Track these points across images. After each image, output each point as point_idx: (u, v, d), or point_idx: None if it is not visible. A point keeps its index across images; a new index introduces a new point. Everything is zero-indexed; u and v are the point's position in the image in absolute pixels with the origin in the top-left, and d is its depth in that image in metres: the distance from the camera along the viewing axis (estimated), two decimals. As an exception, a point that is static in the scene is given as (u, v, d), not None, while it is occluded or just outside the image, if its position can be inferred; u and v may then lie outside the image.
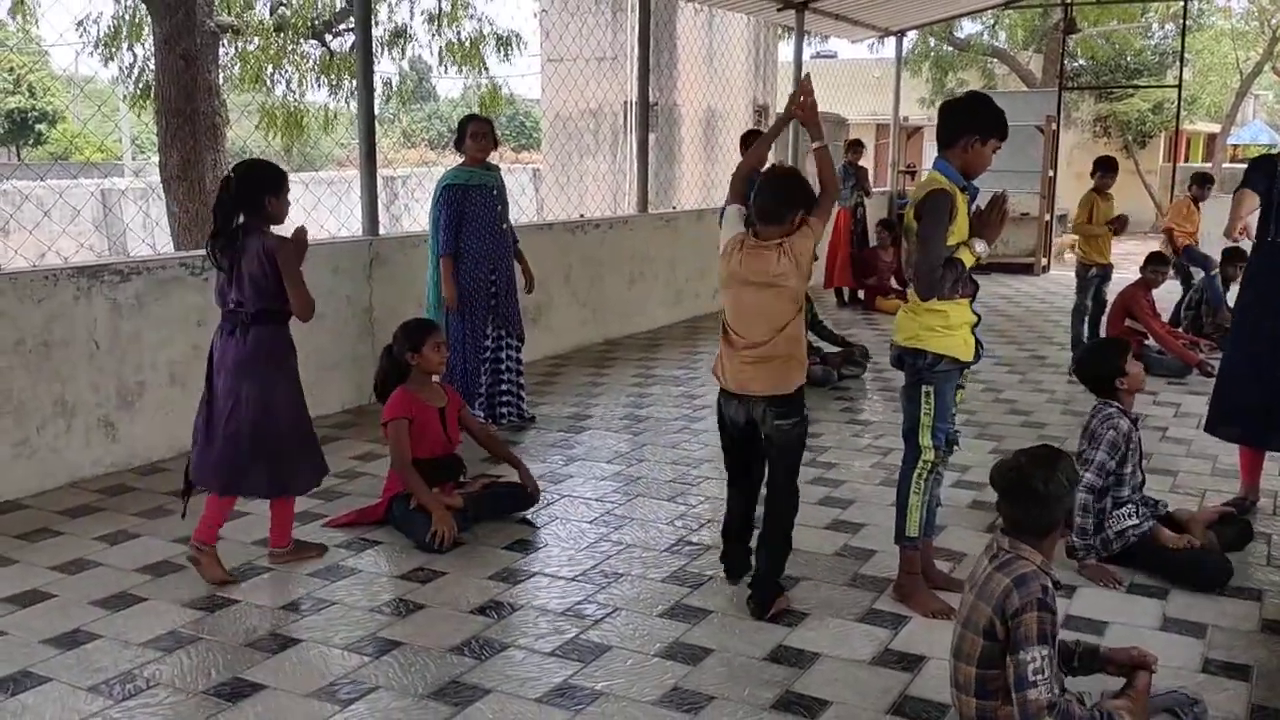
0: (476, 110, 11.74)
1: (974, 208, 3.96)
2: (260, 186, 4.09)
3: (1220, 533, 4.47)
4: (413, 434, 4.71)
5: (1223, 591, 4.17)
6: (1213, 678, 3.51)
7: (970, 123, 3.85)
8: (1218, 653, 3.69)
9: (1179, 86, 15.55)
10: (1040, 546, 2.88)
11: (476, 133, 6.12)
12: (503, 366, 6.41)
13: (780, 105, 18.88)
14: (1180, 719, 2.95)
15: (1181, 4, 15.31)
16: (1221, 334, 9.03)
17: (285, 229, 4.19)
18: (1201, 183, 10.47)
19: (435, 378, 4.95)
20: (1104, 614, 3.95)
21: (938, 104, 19.08)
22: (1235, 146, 32.53)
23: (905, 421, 4.06)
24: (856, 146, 11.77)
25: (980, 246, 3.85)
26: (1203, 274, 9.55)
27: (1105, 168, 8.29)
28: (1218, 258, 9.35)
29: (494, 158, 6.32)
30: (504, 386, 6.43)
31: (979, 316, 3.98)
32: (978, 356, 3.97)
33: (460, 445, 4.98)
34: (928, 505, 4.05)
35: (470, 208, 6.11)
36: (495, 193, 6.22)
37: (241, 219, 4.10)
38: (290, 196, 4.21)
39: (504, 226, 6.30)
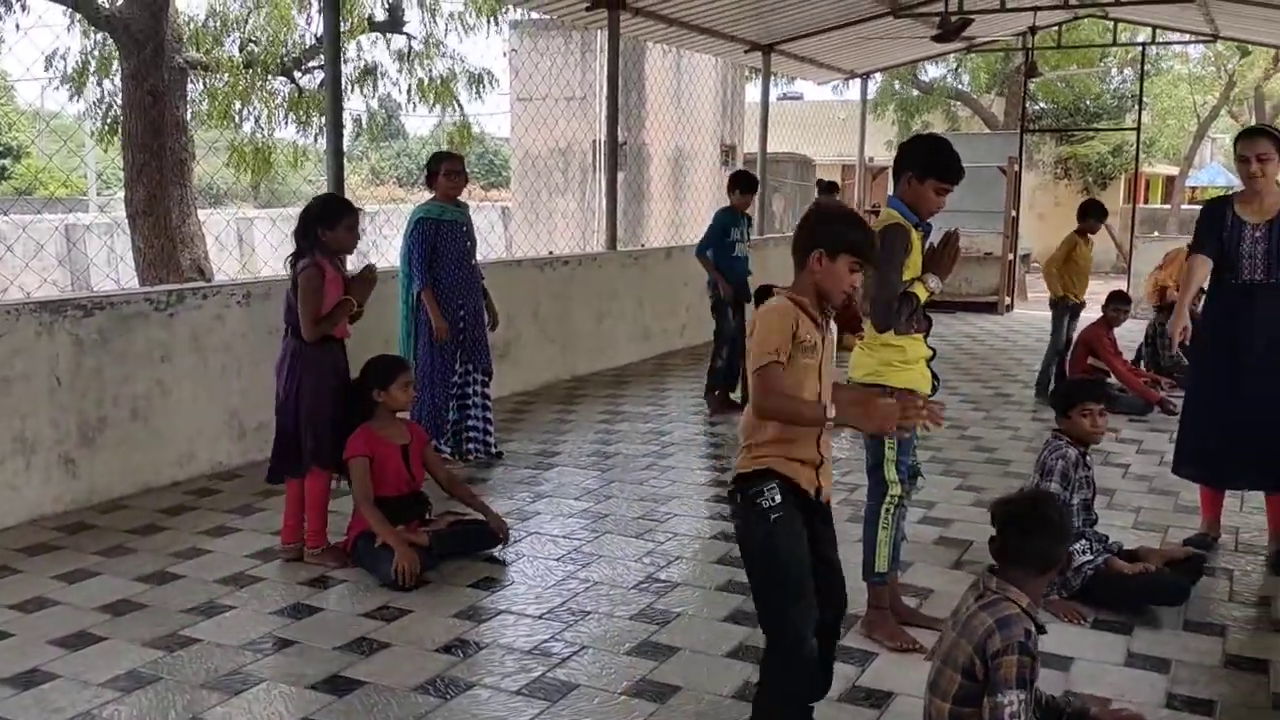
0: (445, 148, 11.77)
1: (927, 245, 4.04)
2: (313, 219, 4.69)
3: (1175, 567, 4.52)
4: (375, 472, 4.69)
5: (1186, 626, 4.20)
6: (1177, 713, 3.53)
7: (907, 160, 3.97)
8: (1182, 688, 3.71)
9: (1138, 129, 15.84)
10: (1028, 588, 2.86)
11: (450, 170, 6.20)
12: (470, 402, 6.39)
13: (748, 145, 19.08)
14: None
15: (1140, 49, 15.63)
16: (1182, 372, 9.17)
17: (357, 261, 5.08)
18: None
19: (400, 415, 4.93)
20: (1069, 650, 3.97)
21: (903, 145, 18.98)
22: (1194, 188, 33.12)
23: (869, 458, 4.09)
24: (831, 188, 11.92)
25: (933, 282, 3.94)
26: None
27: (1093, 212, 8.50)
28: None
29: (464, 195, 6.37)
30: (470, 422, 6.41)
31: (934, 351, 4.07)
32: (934, 389, 4.02)
33: (425, 482, 4.95)
34: (894, 540, 4.07)
35: (441, 242, 6.14)
36: (465, 229, 6.27)
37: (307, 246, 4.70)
38: (353, 228, 4.79)
39: (473, 262, 6.32)
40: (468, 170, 6.45)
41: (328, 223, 4.69)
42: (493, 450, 6.52)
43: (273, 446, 4.88)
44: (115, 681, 3.64)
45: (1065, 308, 8.58)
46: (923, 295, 3.92)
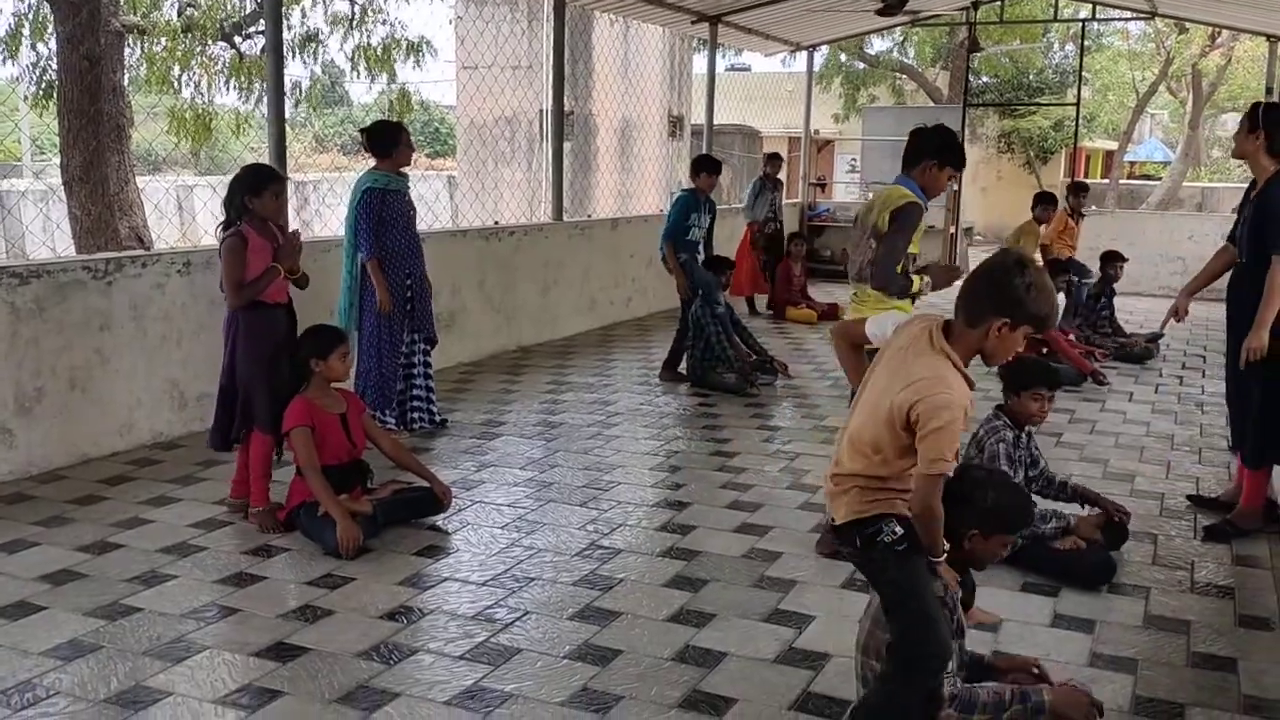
0: (386, 116, 11.66)
1: (936, 260, 4.67)
2: (240, 187, 4.79)
3: (1104, 531, 4.66)
4: (316, 441, 4.70)
5: (1111, 588, 4.35)
6: (1100, 671, 3.67)
7: (928, 149, 4.56)
8: (1105, 647, 3.85)
9: (1078, 105, 16.06)
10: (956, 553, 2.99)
11: (409, 141, 6.18)
12: (415, 371, 6.41)
13: (695, 116, 19.08)
14: None
15: (1080, 25, 15.83)
16: (1115, 344, 9.40)
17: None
18: (1077, 192, 10.57)
19: (335, 385, 4.94)
20: (998, 611, 4.09)
21: (850, 119, 19.36)
22: (1132, 163, 33.69)
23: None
24: (775, 160, 11.96)
25: (926, 285, 4.69)
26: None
27: (1044, 201, 8.96)
28: (1095, 268, 9.80)
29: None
30: (415, 391, 6.42)
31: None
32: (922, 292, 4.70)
33: (366, 450, 4.97)
34: None
35: (388, 212, 6.11)
36: (407, 198, 6.26)
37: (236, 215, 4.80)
38: (279, 195, 4.92)
39: (415, 231, 6.33)
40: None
41: (254, 190, 4.79)
42: (436, 419, 6.53)
43: (215, 415, 4.97)
44: (56, 650, 3.63)
45: None
46: (915, 286, 4.63)
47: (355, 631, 3.84)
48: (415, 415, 6.43)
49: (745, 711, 3.35)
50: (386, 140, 6.13)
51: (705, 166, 8.10)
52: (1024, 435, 4.61)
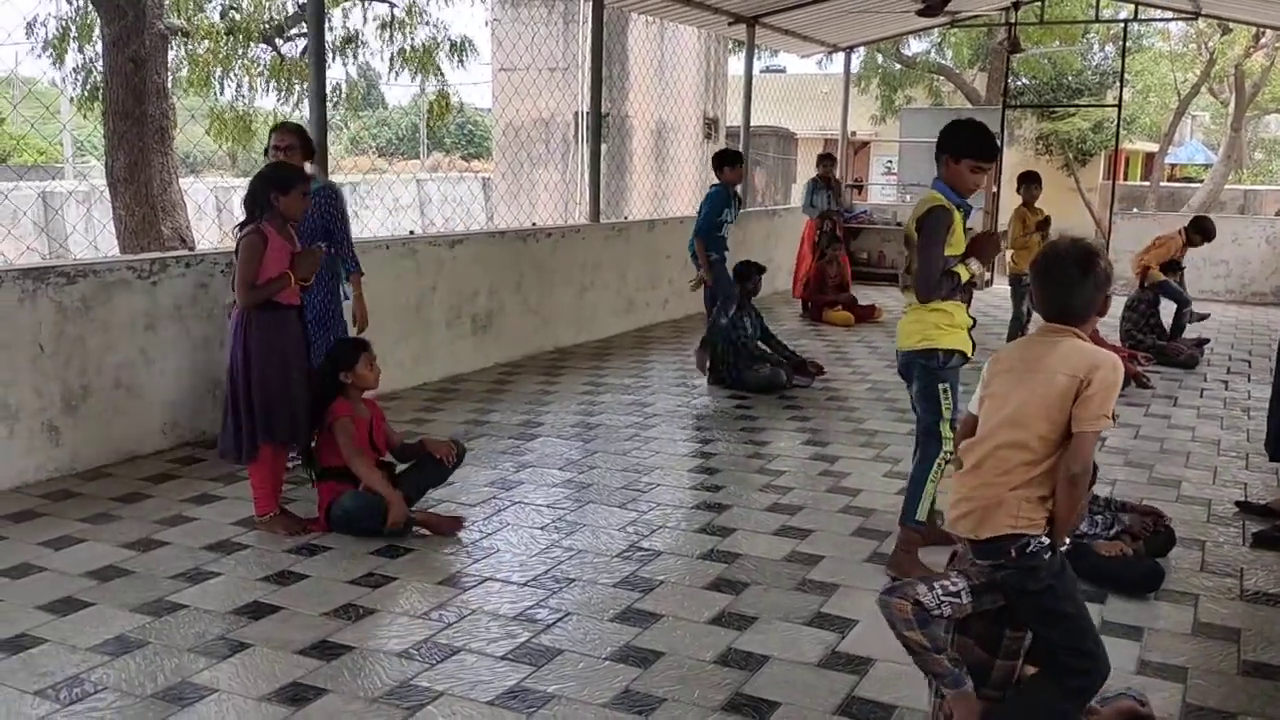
0: (426, 119, 11.71)
1: (970, 230, 4.42)
2: (265, 185, 4.68)
3: (1148, 541, 4.60)
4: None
5: (1158, 596, 4.29)
6: (1149, 679, 3.61)
7: (944, 144, 4.32)
8: (1154, 655, 3.80)
9: (1119, 106, 15.88)
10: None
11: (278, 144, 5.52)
12: None
13: (731, 118, 19.06)
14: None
15: (1121, 26, 15.66)
16: (1161, 350, 9.27)
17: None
18: (1028, 182, 9.19)
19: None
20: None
21: (887, 120, 19.18)
22: (1173, 165, 33.29)
23: (927, 418, 4.41)
24: (826, 160, 11.96)
25: (975, 265, 4.34)
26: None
27: (1029, 181, 8.80)
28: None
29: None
30: None
31: (974, 320, 4.47)
32: (972, 278, 4.41)
33: (387, 454, 5.01)
34: (935, 494, 4.41)
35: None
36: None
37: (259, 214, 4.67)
38: (305, 195, 4.78)
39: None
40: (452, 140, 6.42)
41: (283, 188, 4.68)
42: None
43: (222, 421, 4.81)
44: (103, 646, 3.67)
45: (1024, 282, 8.79)
46: (964, 275, 4.31)
47: (397, 630, 3.85)
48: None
49: (788, 715, 3.33)
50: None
51: (728, 160, 8.09)
52: None
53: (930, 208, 4.28)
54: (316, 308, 5.61)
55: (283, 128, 5.66)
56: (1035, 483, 2.86)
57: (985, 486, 2.91)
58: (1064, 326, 2.92)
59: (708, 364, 8.00)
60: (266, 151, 5.62)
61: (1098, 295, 2.93)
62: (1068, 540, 2.96)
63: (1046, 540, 2.88)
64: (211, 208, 14.68)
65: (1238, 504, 5.42)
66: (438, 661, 3.62)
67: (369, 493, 4.70)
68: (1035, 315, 8.70)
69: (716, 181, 8.12)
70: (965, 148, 4.25)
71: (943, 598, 2.84)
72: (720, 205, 7.97)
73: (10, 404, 5.22)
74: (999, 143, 14.66)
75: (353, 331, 5.72)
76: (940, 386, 4.36)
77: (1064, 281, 2.92)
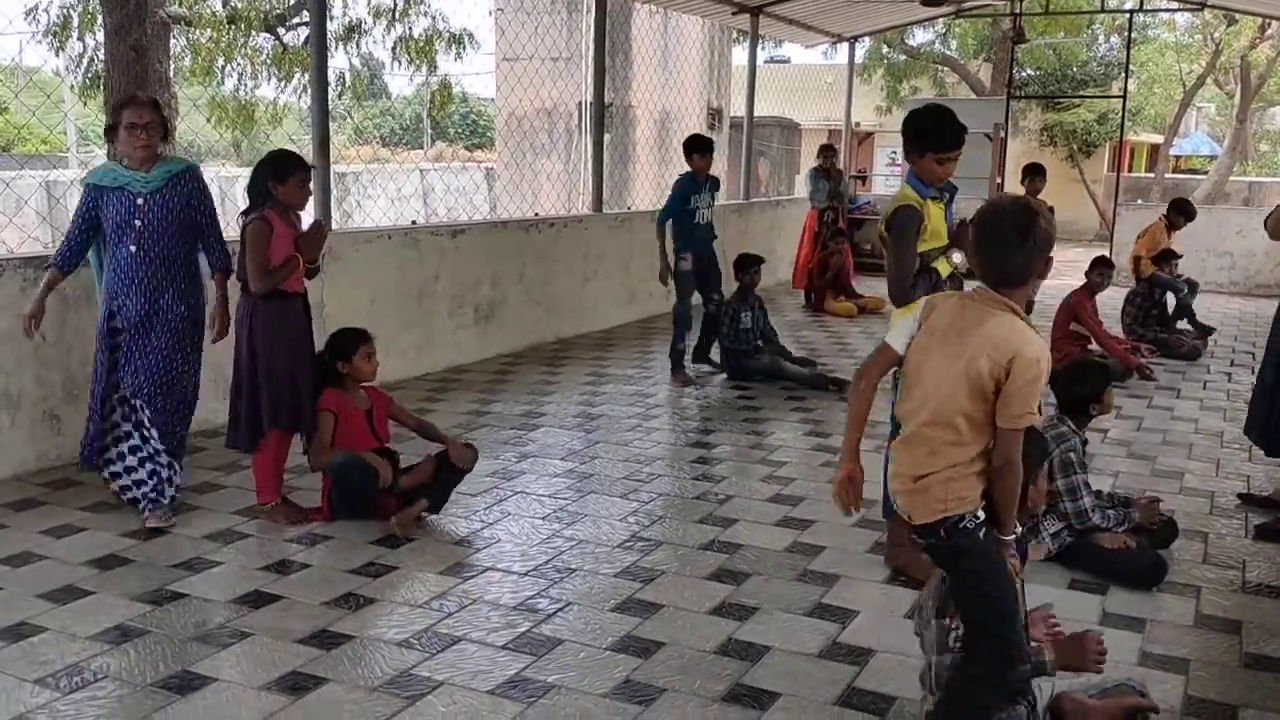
0: (428, 108, 11.67)
1: (953, 211, 4.24)
2: (265, 172, 4.62)
3: (1151, 534, 4.59)
4: (342, 433, 4.79)
5: (1160, 588, 4.28)
6: (1151, 671, 3.61)
7: (905, 138, 4.17)
8: (1155, 647, 3.79)
9: (1124, 97, 15.83)
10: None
11: (141, 117, 4.61)
12: (123, 433, 4.81)
13: (734, 108, 19.02)
14: None
15: (1127, 17, 15.61)
16: (1164, 343, 9.26)
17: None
18: (1180, 212, 9.85)
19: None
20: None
21: (892, 111, 19.15)
22: (1178, 157, 33.18)
23: None
24: (827, 151, 11.91)
25: (958, 256, 4.15)
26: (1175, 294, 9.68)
27: (1033, 173, 8.69)
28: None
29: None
30: (129, 463, 4.80)
31: None
32: (956, 268, 4.24)
33: (391, 440, 5.02)
34: None
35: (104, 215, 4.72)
36: (140, 199, 4.67)
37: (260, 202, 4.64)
38: (305, 183, 4.70)
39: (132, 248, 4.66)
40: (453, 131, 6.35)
41: (279, 176, 4.62)
42: (165, 502, 4.77)
43: (229, 409, 4.83)
44: (104, 635, 3.67)
45: None
46: (944, 270, 4.14)
47: (398, 619, 3.85)
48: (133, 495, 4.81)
49: (789, 706, 3.33)
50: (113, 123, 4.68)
51: (697, 147, 7.77)
52: (1085, 441, 4.58)
53: (897, 207, 4.15)
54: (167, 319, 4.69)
55: (135, 102, 4.64)
56: (966, 463, 2.79)
57: (915, 466, 2.85)
58: (999, 297, 2.77)
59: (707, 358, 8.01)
60: (112, 129, 4.63)
61: (1036, 259, 2.77)
62: (1019, 528, 2.87)
63: (981, 515, 2.81)
64: (214, 197, 14.67)
65: (1240, 496, 5.41)
66: (438, 651, 3.62)
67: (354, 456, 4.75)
68: (1035, 308, 8.78)
69: (704, 172, 7.95)
70: (922, 141, 4.11)
71: None
72: (686, 193, 7.74)
73: (12, 392, 5.22)
74: (1004, 134, 14.64)
75: (209, 339, 4.87)
76: None
77: (1001, 244, 2.76)
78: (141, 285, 4.61)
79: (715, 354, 8.09)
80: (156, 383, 4.68)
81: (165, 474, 4.75)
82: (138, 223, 4.59)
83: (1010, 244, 2.74)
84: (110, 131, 4.69)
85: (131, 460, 4.76)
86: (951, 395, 2.76)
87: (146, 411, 4.72)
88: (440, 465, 4.89)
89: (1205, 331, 9.65)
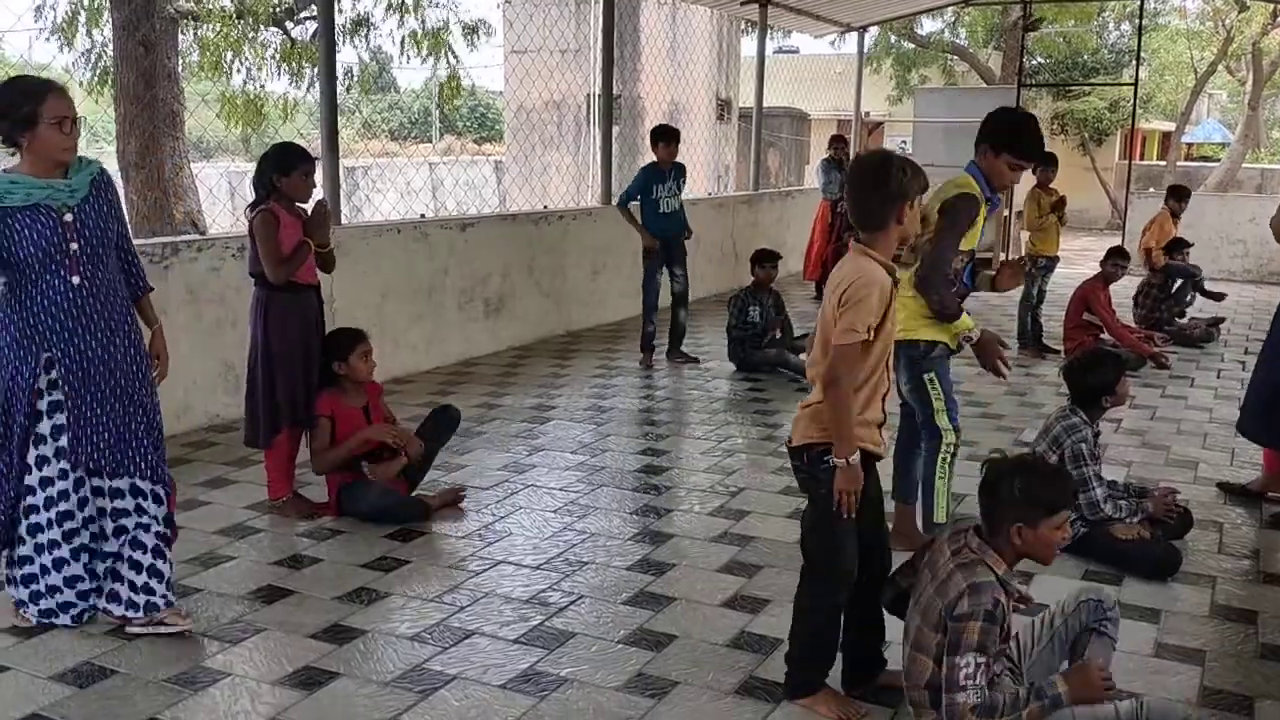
0: (437, 101, 11.66)
1: (1000, 263, 4.33)
2: (269, 165, 4.65)
3: (1166, 525, 4.56)
4: (341, 435, 4.78)
5: (1175, 578, 4.25)
6: (1166, 661, 3.59)
7: (988, 133, 4.10)
8: (1171, 637, 3.77)
9: (1135, 85, 15.74)
10: (1006, 554, 2.85)
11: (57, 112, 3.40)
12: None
13: (743, 99, 18.95)
14: (1101, 633, 3.09)
15: (1138, 4, 15.50)
16: (1175, 327, 9.23)
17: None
18: (1179, 197, 10.12)
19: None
20: (1060, 598, 4.01)
21: (902, 100, 19.05)
22: (1189, 145, 33.02)
23: (920, 413, 4.26)
24: (838, 141, 11.86)
25: (968, 337, 4.17)
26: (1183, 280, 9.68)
27: (1043, 162, 8.64)
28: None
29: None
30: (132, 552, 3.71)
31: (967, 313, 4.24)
32: (960, 346, 4.22)
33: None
34: (950, 490, 4.25)
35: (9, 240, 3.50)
36: (63, 218, 3.49)
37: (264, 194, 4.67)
38: (309, 175, 4.72)
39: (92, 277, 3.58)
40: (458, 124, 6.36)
41: (283, 169, 4.65)
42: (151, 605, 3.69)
43: (245, 405, 4.84)
44: (116, 630, 3.67)
45: (1040, 264, 8.72)
46: (966, 325, 4.14)
47: (410, 614, 3.85)
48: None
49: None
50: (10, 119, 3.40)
51: (660, 137, 7.82)
52: (1098, 432, 4.55)
53: (961, 193, 4.03)
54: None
55: (59, 90, 3.48)
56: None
57: (803, 404, 3.16)
58: (859, 244, 3.06)
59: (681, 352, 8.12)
60: (25, 121, 3.34)
61: (890, 206, 3.02)
62: (853, 453, 3.01)
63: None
64: (224, 192, 14.69)
65: (1220, 485, 5.36)
66: (450, 645, 3.62)
67: (385, 487, 4.75)
68: (1047, 297, 8.75)
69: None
70: (1008, 143, 4.04)
71: (980, 687, 2.77)
72: (648, 183, 7.76)
73: None
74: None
75: (153, 376, 3.77)
76: (925, 377, 4.18)
77: (858, 188, 3.07)
78: (92, 325, 3.51)
79: (707, 348, 8.13)
80: (121, 446, 3.60)
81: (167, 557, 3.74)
82: (74, 246, 3.44)
83: (865, 189, 3.05)
84: (18, 130, 3.37)
85: (62, 552, 3.61)
86: (822, 335, 3.08)
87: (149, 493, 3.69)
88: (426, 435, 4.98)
89: (1216, 298, 9.85)
